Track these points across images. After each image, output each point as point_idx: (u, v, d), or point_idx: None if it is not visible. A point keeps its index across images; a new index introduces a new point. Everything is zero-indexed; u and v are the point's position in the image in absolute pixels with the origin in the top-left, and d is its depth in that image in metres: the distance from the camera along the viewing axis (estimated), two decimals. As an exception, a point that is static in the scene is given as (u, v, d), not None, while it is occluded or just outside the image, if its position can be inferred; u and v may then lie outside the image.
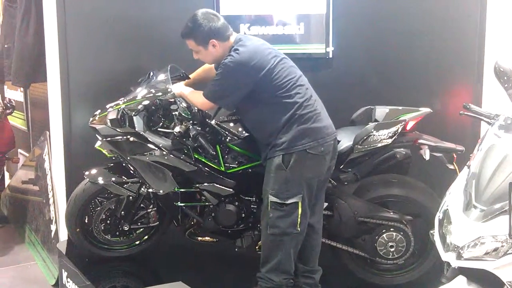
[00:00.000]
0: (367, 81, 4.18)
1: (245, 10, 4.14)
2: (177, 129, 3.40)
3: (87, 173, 3.70)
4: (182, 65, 3.72)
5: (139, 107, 3.45)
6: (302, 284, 3.46)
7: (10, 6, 5.12)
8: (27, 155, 5.74)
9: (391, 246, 3.59)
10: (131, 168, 3.57)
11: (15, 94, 6.28)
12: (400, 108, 3.57)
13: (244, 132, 3.46)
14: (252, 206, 3.59)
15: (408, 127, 3.48)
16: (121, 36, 4.22)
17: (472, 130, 4.14)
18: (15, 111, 5.69)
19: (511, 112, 2.86)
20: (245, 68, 3.14)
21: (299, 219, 3.22)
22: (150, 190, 3.61)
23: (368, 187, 3.63)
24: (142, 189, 3.66)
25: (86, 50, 4.24)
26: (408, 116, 3.48)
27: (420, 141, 3.47)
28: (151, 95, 3.48)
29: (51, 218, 4.43)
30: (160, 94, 3.46)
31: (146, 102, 3.47)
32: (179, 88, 3.46)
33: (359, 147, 3.42)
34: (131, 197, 3.71)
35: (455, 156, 3.47)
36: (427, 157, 3.42)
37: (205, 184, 3.52)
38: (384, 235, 3.58)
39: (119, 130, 3.51)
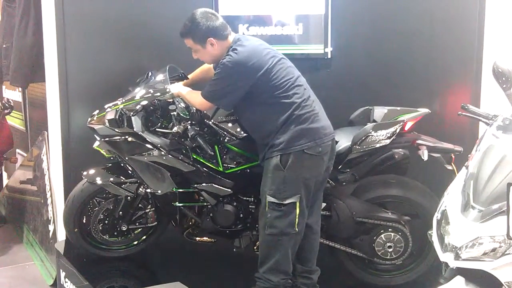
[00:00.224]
0: (365, 81, 4.18)
1: (244, 10, 4.14)
2: (175, 129, 3.39)
3: (85, 173, 3.70)
4: (181, 65, 3.72)
5: (138, 107, 3.45)
6: (300, 284, 3.46)
7: (8, 6, 5.12)
8: (25, 155, 5.73)
9: (389, 247, 3.59)
10: (129, 168, 3.57)
11: (13, 94, 6.27)
12: (399, 108, 3.57)
13: (242, 132, 3.46)
14: (250, 206, 3.59)
15: (407, 128, 3.48)
16: (120, 36, 4.22)
17: (470, 130, 4.14)
18: (13, 111, 5.68)
19: (509, 113, 2.86)
20: (243, 68, 3.15)
21: (297, 219, 3.22)
22: (148, 190, 3.61)
23: (366, 188, 3.63)
24: (140, 189, 3.66)
25: (84, 50, 4.24)
26: (406, 117, 3.48)
27: (418, 141, 3.47)
28: (150, 95, 3.48)
29: (49, 218, 4.42)
30: (158, 94, 3.46)
31: (144, 102, 3.46)
32: (178, 88, 3.46)
33: (357, 147, 3.42)
34: (129, 197, 3.71)
35: (453, 156, 3.47)
36: (425, 157, 3.42)
37: (203, 184, 3.52)
38: (382, 236, 3.58)
39: (117, 130, 3.51)
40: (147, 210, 3.81)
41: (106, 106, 3.60)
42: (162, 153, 3.48)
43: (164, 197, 3.64)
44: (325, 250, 3.63)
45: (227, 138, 3.49)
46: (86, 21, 4.21)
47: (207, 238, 3.73)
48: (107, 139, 3.54)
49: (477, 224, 2.39)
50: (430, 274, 3.60)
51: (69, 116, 4.28)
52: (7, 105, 5.49)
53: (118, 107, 3.52)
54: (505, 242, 2.30)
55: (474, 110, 3.16)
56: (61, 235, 4.18)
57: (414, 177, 3.68)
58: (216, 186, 3.51)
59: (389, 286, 3.74)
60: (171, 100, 3.49)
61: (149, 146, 3.48)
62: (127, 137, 3.50)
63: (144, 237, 3.95)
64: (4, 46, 5.13)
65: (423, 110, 3.56)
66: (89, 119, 3.64)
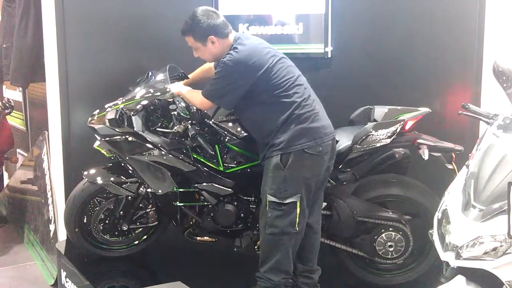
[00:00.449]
0: (366, 81, 4.18)
1: (244, 10, 4.14)
2: (176, 128, 3.40)
3: (85, 173, 3.70)
4: (181, 65, 3.72)
5: (138, 107, 3.45)
6: (301, 283, 3.46)
7: (8, 6, 5.12)
8: (26, 155, 5.73)
9: (390, 246, 3.59)
10: (130, 168, 3.57)
11: (14, 94, 6.27)
12: (399, 108, 3.57)
13: (242, 132, 3.46)
14: (251, 205, 3.59)
15: (407, 127, 3.48)
16: (120, 36, 4.22)
17: (471, 130, 4.14)
18: (14, 111, 5.69)
19: (510, 112, 2.86)
20: (244, 67, 3.14)
21: (297, 219, 3.21)
22: (149, 190, 3.61)
23: (367, 187, 3.63)
24: (141, 189, 3.66)
25: (85, 50, 4.24)
26: (407, 116, 3.48)
27: (419, 140, 3.47)
28: (150, 95, 3.48)
29: (50, 218, 4.43)
30: (158, 94, 3.46)
31: (144, 102, 3.46)
32: (178, 87, 3.46)
33: (358, 147, 3.42)
34: (130, 197, 3.71)
35: (454, 156, 3.47)
36: (426, 156, 3.42)
37: (204, 184, 3.52)
38: (383, 235, 3.58)
39: (117, 130, 3.51)
40: (148, 210, 3.81)
41: (106, 106, 3.60)
42: (163, 152, 3.48)
43: (164, 196, 3.64)
44: (326, 249, 3.63)
45: (227, 137, 3.49)
46: (86, 21, 4.21)
47: (208, 237, 3.73)
48: (107, 138, 3.54)
49: (478, 223, 2.39)
50: (431, 273, 3.60)
51: (69, 116, 4.29)
52: (7, 105, 5.50)
53: (119, 107, 3.52)
54: (506, 241, 2.30)
55: (475, 110, 3.16)
56: (62, 235, 4.19)
57: (414, 177, 3.68)
58: (217, 185, 3.51)
59: (390, 285, 3.74)
60: (172, 99, 3.49)
61: (149, 145, 3.48)
62: (127, 136, 3.50)
63: (145, 236, 3.95)
64: (4, 46, 5.13)
65: (424, 110, 3.56)
66: (90, 118, 3.64)
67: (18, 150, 6.24)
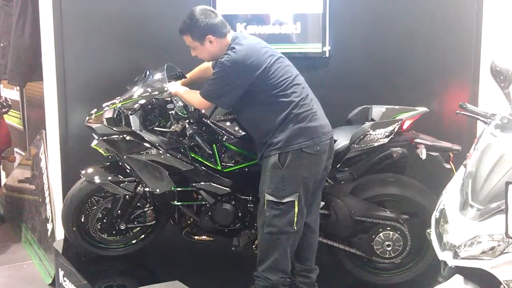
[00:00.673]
0: (364, 80, 4.18)
1: (242, 9, 4.13)
2: (174, 128, 3.40)
3: (83, 172, 3.70)
4: (179, 64, 3.72)
5: (136, 106, 3.45)
6: (299, 283, 3.46)
7: (6, 5, 5.11)
8: (23, 154, 5.73)
9: (388, 245, 3.60)
10: (128, 167, 3.57)
11: (11, 93, 6.27)
12: (397, 107, 3.57)
13: (240, 131, 3.46)
14: (248, 205, 3.59)
15: (405, 127, 3.49)
16: (118, 35, 4.22)
17: (469, 129, 4.14)
18: (11, 110, 5.68)
19: (507, 112, 2.86)
20: (242, 66, 3.14)
21: (295, 218, 3.22)
22: (147, 189, 3.60)
23: (364, 186, 3.63)
24: (139, 188, 3.66)
25: (82, 49, 4.24)
26: (404, 116, 3.48)
27: (417, 140, 3.47)
28: (148, 94, 3.47)
29: (48, 217, 4.42)
30: (156, 93, 3.46)
31: (142, 101, 3.46)
32: (175, 87, 3.46)
33: (355, 146, 3.42)
34: (127, 196, 3.70)
35: (451, 155, 3.48)
36: (423, 156, 3.42)
37: (202, 183, 3.52)
38: (381, 234, 3.59)
39: (115, 129, 3.51)
40: (146, 209, 3.81)
41: (104, 105, 3.60)
42: (160, 152, 3.47)
43: (162, 196, 3.64)
44: (323, 249, 3.64)
45: (225, 137, 3.49)
46: (84, 20, 4.21)
47: (205, 237, 3.73)
48: (105, 138, 3.54)
49: (475, 223, 2.39)
50: (428, 272, 3.61)
51: (67, 115, 4.28)
52: (5, 104, 5.49)
53: (116, 106, 3.52)
54: (503, 241, 2.30)
55: (472, 109, 3.16)
56: (60, 234, 4.18)
57: (412, 176, 3.68)
58: (215, 185, 3.51)
59: (388, 284, 3.74)
60: (169, 99, 3.49)
61: (147, 145, 3.48)
62: (125, 136, 3.50)
63: (143, 236, 3.94)
64: (1, 45, 5.13)
65: (421, 109, 3.56)
66: (87, 118, 3.64)
67: (15, 149, 6.23)
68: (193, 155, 3.49)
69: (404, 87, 4.20)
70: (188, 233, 3.74)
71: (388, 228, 3.59)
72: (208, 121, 3.49)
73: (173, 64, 3.69)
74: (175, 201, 3.62)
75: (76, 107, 4.26)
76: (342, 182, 3.54)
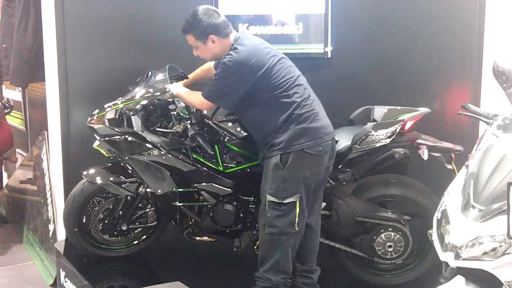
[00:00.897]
0: (365, 81, 4.18)
1: (244, 9, 4.14)
2: (175, 128, 3.40)
3: (85, 172, 3.70)
4: (181, 65, 3.72)
5: (137, 106, 3.44)
6: (300, 284, 3.46)
7: (8, 6, 5.13)
8: (25, 154, 5.73)
9: (389, 246, 3.59)
10: (129, 168, 3.56)
11: (13, 94, 6.28)
12: (399, 108, 3.56)
13: (242, 131, 3.46)
14: (250, 205, 3.59)
15: (407, 127, 3.48)
16: (120, 36, 4.22)
17: (471, 130, 4.14)
18: (13, 110, 5.69)
19: (510, 112, 2.86)
20: (244, 67, 3.14)
21: (297, 219, 3.21)
22: (148, 190, 3.60)
23: (366, 187, 3.63)
24: (140, 189, 3.66)
25: (84, 50, 4.24)
26: (406, 116, 3.48)
27: (419, 141, 3.47)
28: (149, 94, 3.47)
29: (49, 218, 4.43)
30: (158, 94, 3.46)
31: (144, 102, 3.46)
32: (177, 88, 3.45)
33: (357, 147, 3.42)
34: (129, 197, 3.70)
35: (453, 156, 3.47)
36: (425, 157, 3.41)
37: (203, 184, 3.51)
38: (382, 235, 3.58)
39: (117, 130, 3.51)
40: (147, 210, 3.81)
41: (106, 106, 3.60)
42: (162, 152, 3.47)
43: (164, 196, 3.64)
44: (325, 249, 3.63)
45: (227, 137, 3.49)
46: (85, 21, 4.22)
47: (207, 237, 3.73)
48: (107, 138, 3.54)
49: (477, 224, 2.38)
50: (430, 273, 3.60)
51: (69, 116, 4.29)
52: (7, 104, 5.50)
53: (118, 107, 3.52)
54: (505, 242, 2.29)
55: (474, 110, 3.16)
56: (61, 234, 4.19)
57: (414, 177, 3.68)
58: (216, 185, 3.51)
59: (389, 285, 3.74)
60: (171, 99, 3.49)
61: (149, 145, 3.48)
62: (127, 136, 3.50)
63: (144, 236, 3.94)
64: (4, 46, 5.14)
65: (423, 110, 3.56)
66: (89, 118, 3.64)
67: (17, 150, 6.24)
68: (194, 156, 3.49)
69: (406, 88, 4.20)
70: (189, 233, 3.74)
71: (389, 229, 3.58)
72: (210, 122, 3.49)
73: (175, 64, 3.69)
74: (177, 202, 3.63)
75: (78, 108, 4.27)
76: (344, 183, 3.53)
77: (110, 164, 3.73)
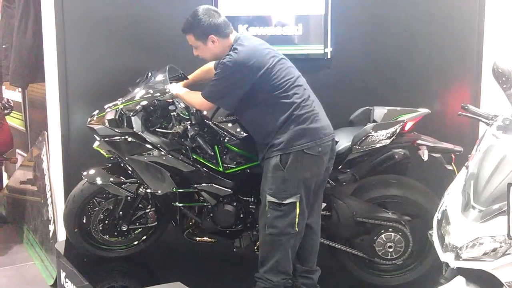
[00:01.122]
0: (365, 81, 4.18)
1: (244, 10, 4.14)
2: (175, 129, 3.39)
3: (85, 173, 3.70)
4: (181, 66, 3.72)
5: (137, 107, 3.45)
6: (301, 284, 3.46)
7: (8, 7, 5.12)
8: (25, 155, 5.73)
9: (390, 247, 3.59)
10: (129, 168, 3.57)
11: (13, 95, 6.27)
12: (399, 108, 3.57)
13: (242, 132, 3.46)
14: (250, 206, 3.59)
15: (407, 128, 3.48)
16: (120, 36, 4.23)
17: (471, 130, 4.14)
18: (13, 111, 5.69)
19: (510, 113, 2.86)
20: (244, 67, 3.14)
21: (297, 219, 3.21)
22: (148, 190, 3.61)
23: (366, 188, 3.63)
24: (140, 189, 3.66)
25: (84, 51, 4.25)
26: (406, 117, 3.48)
27: (419, 141, 3.47)
28: (149, 95, 3.47)
29: (49, 218, 4.43)
30: (158, 94, 3.46)
31: (144, 103, 3.46)
32: (177, 88, 3.46)
33: (357, 147, 3.42)
34: (129, 198, 3.70)
35: (453, 156, 3.47)
36: (425, 157, 3.42)
37: (203, 184, 3.52)
38: (383, 236, 3.58)
39: (117, 131, 3.51)
40: (147, 210, 3.81)
41: (106, 106, 3.60)
42: (162, 153, 3.48)
43: (164, 197, 3.64)
44: (325, 250, 3.63)
45: (227, 138, 3.49)
46: (85, 22, 4.22)
47: (207, 238, 3.73)
48: (107, 139, 3.54)
49: (477, 224, 2.39)
50: (430, 274, 3.60)
51: (69, 116, 4.29)
52: (7, 105, 5.50)
53: (118, 107, 3.52)
54: (505, 242, 2.29)
55: (474, 110, 3.16)
56: (61, 235, 4.19)
57: (414, 177, 3.67)
58: (216, 186, 3.51)
59: (390, 286, 3.73)
60: (171, 100, 3.49)
61: (149, 146, 3.48)
62: (127, 137, 3.50)
63: (144, 237, 3.94)
64: (4, 46, 5.14)
65: (423, 110, 3.56)
66: (89, 119, 3.64)
67: (17, 151, 6.24)
68: (194, 157, 3.49)
69: (406, 88, 4.20)
70: (189, 234, 3.74)
71: (389, 230, 3.58)
72: (210, 123, 3.49)
73: (175, 65, 3.69)
74: (177, 203, 3.63)
75: (78, 108, 4.27)
76: (344, 184, 3.54)
77: (110, 165, 3.73)
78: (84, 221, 3.81)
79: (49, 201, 4.46)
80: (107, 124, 3.53)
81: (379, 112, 3.58)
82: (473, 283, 2.39)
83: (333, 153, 3.34)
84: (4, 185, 6.03)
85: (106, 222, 3.79)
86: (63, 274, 3.84)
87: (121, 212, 3.74)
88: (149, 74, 3.63)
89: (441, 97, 4.21)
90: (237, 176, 3.51)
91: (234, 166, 3.51)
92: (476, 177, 2.57)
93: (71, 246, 3.93)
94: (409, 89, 4.20)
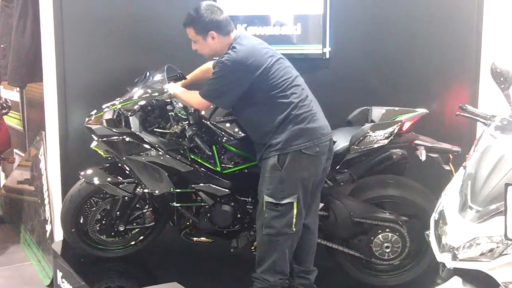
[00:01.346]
0: (363, 81, 4.18)
1: (243, 10, 4.13)
2: (173, 129, 3.39)
3: (82, 173, 3.70)
4: (180, 65, 3.71)
5: (135, 107, 3.44)
6: (298, 284, 3.46)
7: (6, 6, 5.12)
8: (23, 155, 5.72)
9: (387, 247, 3.59)
10: (127, 168, 3.56)
11: (11, 94, 6.27)
12: (397, 108, 3.56)
13: (240, 132, 3.45)
14: (247, 206, 3.59)
15: (405, 128, 3.47)
16: (118, 36, 4.22)
17: (468, 131, 4.14)
18: (11, 111, 5.68)
19: (507, 113, 2.86)
20: (242, 66, 3.14)
21: (294, 219, 3.21)
22: (146, 190, 3.60)
23: (364, 188, 3.63)
24: (138, 189, 3.65)
25: (82, 50, 4.24)
26: (404, 117, 3.47)
27: (416, 141, 3.47)
28: (147, 95, 3.47)
29: (47, 218, 4.42)
30: (156, 94, 3.45)
31: (142, 102, 3.46)
32: (175, 88, 3.45)
33: (355, 147, 3.41)
34: (126, 198, 3.70)
35: (451, 157, 3.47)
36: (423, 157, 3.41)
37: (201, 184, 3.51)
38: (380, 236, 3.58)
39: (115, 130, 3.51)
40: (145, 210, 3.81)
41: (104, 106, 3.60)
42: (160, 153, 3.47)
43: (161, 197, 3.64)
44: (322, 250, 3.63)
45: (225, 138, 3.48)
46: (84, 21, 4.22)
47: (204, 238, 3.73)
48: (104, 139, 3.54)
49: (474, 225, 2.38)
50: (427, 274, 3.59)
51: (66, 116, 4.29)
52: (4, 105, 5.49)
53: (116, 107, 3.52)
54: (502, 243, 2.29)
55: (472, 111, 3.16)
56: (58, 235, 4.18)
57: (412, 177, 3.67)
58: (214, 186, 3.51)
59: (387, 286, 3.73)
60: (169, 100, 3.49)
61: (146, 146, 3.48)
62: (124, 137, 3.50)
63: (142, 237, 3.94)
64: (2, 46, 5.13)
65: (421, 110, 3.55)
66: (87, 119, 3.64)
67: (15, 150, 6.23)
68: (192, 157, 3.49)
69: (404, 89, 4.20)
70: (187, 234, 3.74)
71: (387, 230, 3.58)
72: (208, 123, 3.48)
73: (174, 65, 3.68)
74: (174, 203, 3.62)
75: (76, 108, 4.27)
76: (342, 184, 3.53)
77: (108, 165, 3.73)
78: (81, 221, 3.81)
79: (46, 201, 4.45)
80: (105, 124, 3.53)
81: (377, 112, 3.58)
82: (470, 284, 2.39)
83: (331, 153, 3.34)
84: (1, 185, 6.01)
85: (103, 222, 3.79)
86: (59, 274, 3.83)
87: (118, 212, 3.74)
88: (147, 73, 3.63)
89: (439, 97, 4.21)
90: (235, 176, 3.51)
91: (232, 166, 3.51)
92: (473, 178, 2.57)
93: (68, 246, 3.92)
94: (407, 89, 4.20)
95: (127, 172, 3.60)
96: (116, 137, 3.51)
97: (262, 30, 4.14)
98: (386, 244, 3.58)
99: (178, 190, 3.58)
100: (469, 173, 2.63)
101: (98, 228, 3.80)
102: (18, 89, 5.94)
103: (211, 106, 3.44)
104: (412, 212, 3.61)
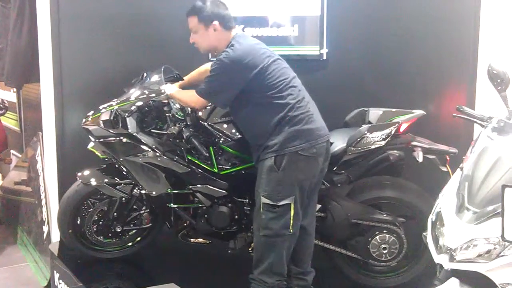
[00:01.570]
0: (361, 83, 4.18)
1: (240, 11, 4.13)
2: (170, 130, 3.39)
3: (79, 174, 3.69)
4: (178, 66, 3.71)
5: (132, 108, 3.44)
6: (295, 286, 3.46)
7: (3, 7, 5.11)
8: (20, 156, 5.72)
9: (384, 248, 3.59)
10: (124, 169, 3.56)
11: (8, 95, 6.26)
12: (394, 110, 3.56)
13: (237, 133, 3.46)
14: (245, 207, 3.59)
15: (402, 129, 3.47)
16: (115, 37, 4.22)
17: (466, 132, 4.14)
18: (8, 111, 5.67)
19: (504, 115, 2.86)
20: (239, 65, 3.14)
21: (291, 221, 3.21)
22: (143, 191, 3.60)
23: (361, 189, 3.63)
24: (135, 190, 3.65)
25: (79, 51, 4.24)
26: (401, 118, 3.48)
27: (414, 143, 3.47)
28: (145, 96, 3.47)
29: (44, 219, 4.41)
30: (153, 95, 3.45)
31: (139, 103, 3.46)
32: (172, 89, 3.45)
33: (352, 149, 3.41)
34: (123, 199, 3.70)
35: (448, 158, 3.47)
36: (420, 159, 3.42)
37: (198, 185, 3.51)
38: (377, 237, 3.58)
39: (112, 131, 3.51)
40: (142, 212, 3.81)
41: (101, 107, 3.60)
42: (157, 154, 3.47)
43: (158, 198, 3.63)
44: (320, 251, 3.63)
45: (222, 139, 3.48)
46: (81, 22, 4.21)
47: (201, 239, 3.73)
48: (101, 140, 3.53)
49: (471, 226, 2.39)
50: (424, 275, 3.60)
51: (63, 117, 4.28)
52: (1, 105, 5.48)
53: (113, 108, 3.51)
54: (499, 244, 2.30)
55: (469, 112, 3.16)
56: (55, 236, 4.17)
57: (409, 179, 3.68)
58: (211, 187, 3.51)
59: (384, 287, 3.73)
60: (166, 101, 3.48)
61: (144, 147, 3.48)
62: (121, 138, 3.49)
63: (139, 238, 3.94)
64: (-1, 46, 5.13)
65: (418, 112, 3.56)
66: (84, 120, 3.63)
67: (12, 151, 6.22)
68: (189, 158, 3.48)
69: (401, 90, 4.20)
70: (184, 235, 3.74)
71: (384, 231, 3.58)
72: (205, 124, 3.48)
73: (171, 66, 3.68)
74: (172, 204, 3.62)
75: (73, 109, 4.26)
76: (339, 185, 3.53)
77: (105, 166, 3.72)
78: (78, 222, 3.81)
79: (43, 202, 4.45)
80: (102, 125, 3.53)
81: (374, 113, 3.58)
82: (467, 285, 2.39)
83: (328, 154, 3.34)
84: (-1, 186, 6.01)
85: (101, 223, 3.78)
86: (56, 275, 3.83)
87: (115, 213, 3.73)
88: (145, 74, 3.63)
89: (436, 99, 4.21)
90: (232, 177, 3.51)
91: (229, 168, 3.51)
92: (470, 179, 2.57)
93: (65, 247, 3.92)
94: (405, 91, 4.20)
95: (124, 173, 3.60)
96: (113, 138, 3.51)
97: (259, 31, 4.14)
98: (383, 245, 3.58)
99: (175, 191, 3.58)
100: (466, 174, 2.63)
101: (95, 229, 3.80)
102: (15, 89, 5.93)
103: (208, 106, 3.45)
104: (409, 214, 3.62)
